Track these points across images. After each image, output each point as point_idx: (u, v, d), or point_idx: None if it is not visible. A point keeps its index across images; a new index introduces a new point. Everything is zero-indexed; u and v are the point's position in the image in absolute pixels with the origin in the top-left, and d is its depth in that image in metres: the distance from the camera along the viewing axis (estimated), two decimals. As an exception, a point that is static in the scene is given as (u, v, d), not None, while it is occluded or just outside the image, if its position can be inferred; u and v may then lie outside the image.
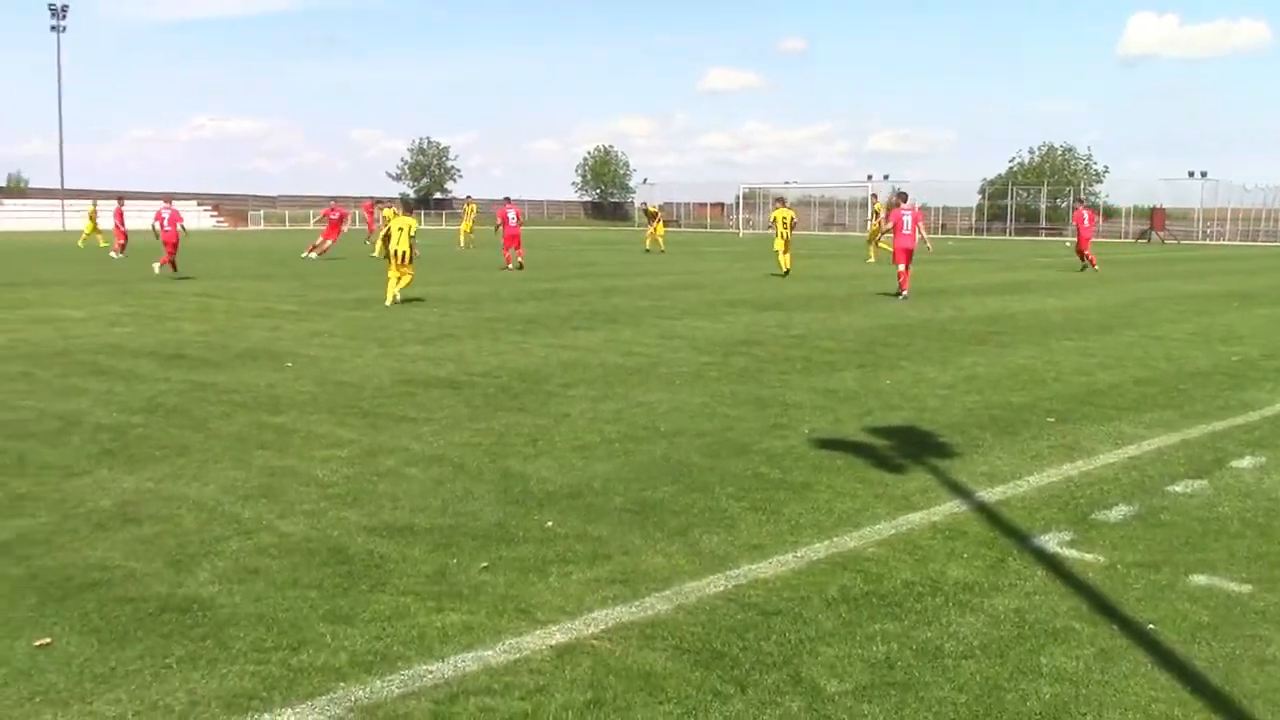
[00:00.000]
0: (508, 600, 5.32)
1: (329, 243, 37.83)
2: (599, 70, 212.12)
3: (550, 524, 6.55)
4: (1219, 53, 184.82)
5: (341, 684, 4.38)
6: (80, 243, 42.94)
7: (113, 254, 39.11)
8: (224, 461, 8.05)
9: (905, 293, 23.26)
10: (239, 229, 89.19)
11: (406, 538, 6.27)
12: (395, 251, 21.16)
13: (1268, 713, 4.26)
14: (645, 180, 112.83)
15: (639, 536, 6.34)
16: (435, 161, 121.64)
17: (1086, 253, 35.84)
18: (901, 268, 23.66)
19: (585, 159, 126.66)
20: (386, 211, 38.10)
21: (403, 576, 5.64)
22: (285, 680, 4.41)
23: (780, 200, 35.20)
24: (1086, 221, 36.56)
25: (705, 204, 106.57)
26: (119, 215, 41.11)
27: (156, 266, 28.17)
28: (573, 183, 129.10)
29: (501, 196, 37.00)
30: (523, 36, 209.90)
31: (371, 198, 55.43)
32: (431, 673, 4.49)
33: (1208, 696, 4.37)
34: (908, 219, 24.09)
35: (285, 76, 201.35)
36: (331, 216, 38.69)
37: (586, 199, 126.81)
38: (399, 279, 21.09)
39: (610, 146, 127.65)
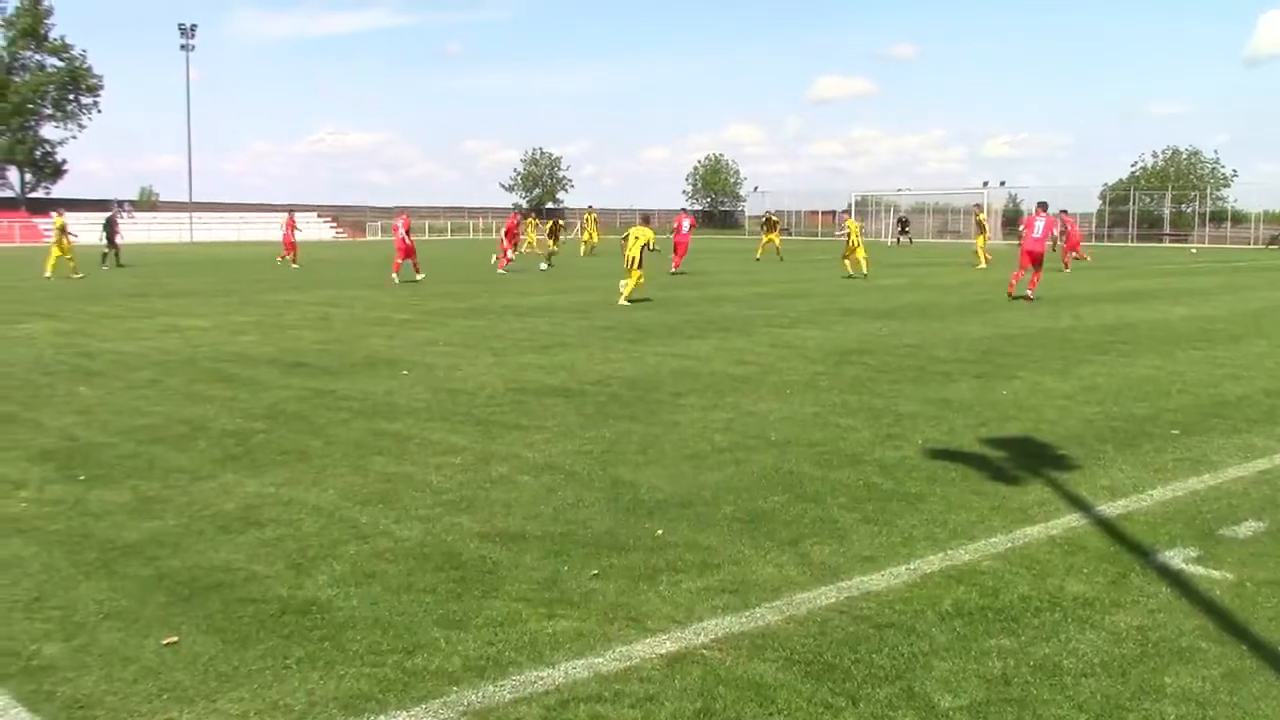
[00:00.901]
0: (618, 608, 5.34)
1: (512, 251, 38.26)
2: (709, 78, 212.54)
3: (660, 532, 6.56)
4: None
5: (455, 688, 4.45)
6: (279, 257, 45.86)
7: (278, 261, 41.69)
8: (342, 467, 8.23)
9: (1016, 294, 24.33)
10: (357, 239, 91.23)
11: (518, 544, 6.34)
12: (629, 257, 23.62)
13: None
14: (756, 188, 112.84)
15: (749, 546, 6.31)
16: (547, 172, 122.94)
17: (1077, 254, 38.61)
18: (1027, 271, 24.51)
19: (696, 168, 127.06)
20: (530, 222, 39.37)
21: (514, 582, 5.70)
22: (400, 683, 4.49)
23: (846, 213, 37.82)
24: (1073, 226, 39.97)
25: (816, 211, 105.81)
26: (289, 226, 43.55)
27: (394, 277, 30.66)
28: (683, 191, 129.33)
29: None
30: (633, 46, 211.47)
31: (520, 209, 58.42)
32: (543, 679, 4.53)
33: (1344, 721, 4.21)
34: (1039, 224, 25.00)
35: (400, 90, 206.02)
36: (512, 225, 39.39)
37: (697, 208, 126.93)
38: (631, 282, 23.48)
39: (721, 155, 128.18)
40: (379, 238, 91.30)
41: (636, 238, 23.79)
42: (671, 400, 11.13)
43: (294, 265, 40.93)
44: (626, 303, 22.86)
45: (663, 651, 4.81)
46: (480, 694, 4.39)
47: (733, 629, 5.08)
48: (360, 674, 4.57)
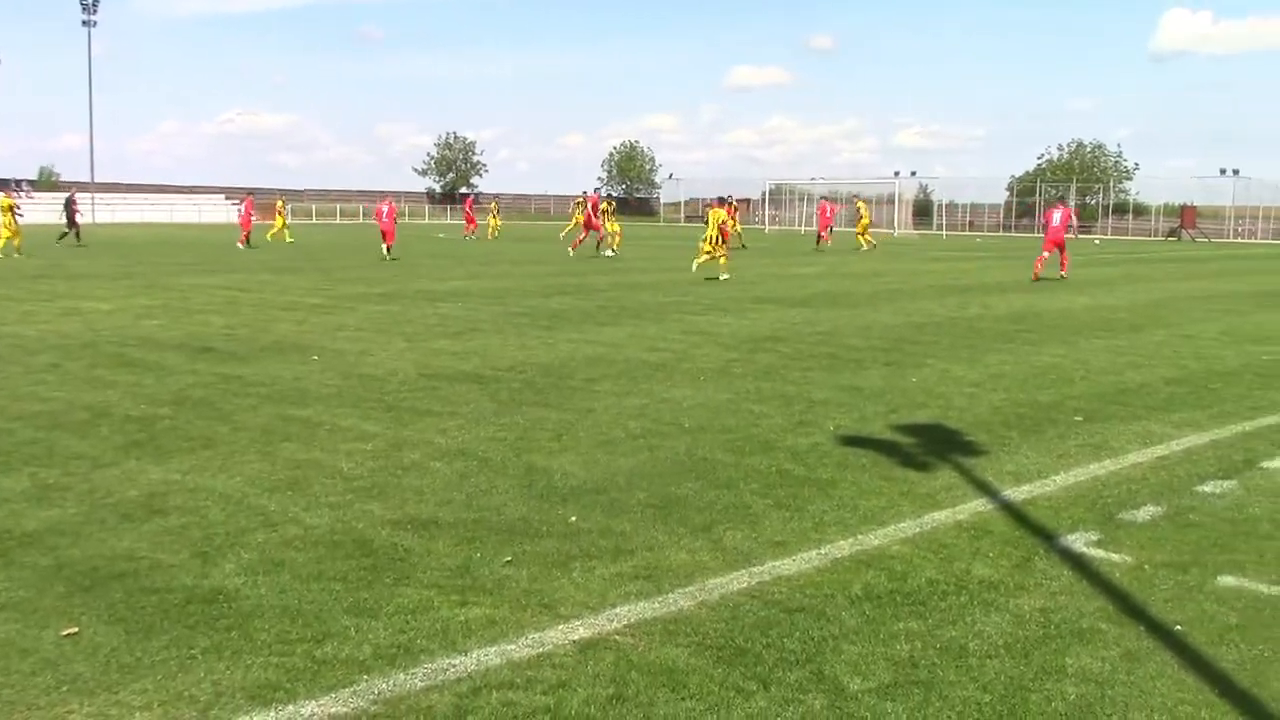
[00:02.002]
0: (531, 594, 5.32)
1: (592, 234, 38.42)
2: (627, 66, 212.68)
3: (574, 519, 6.56)
4: (1253, 49, 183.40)
5: (365, 676, 4.40)
6: (269, 236, 47.80)
7: (239, 245, 41.77)
8: (250, 454, 8.09)
9: (1041, 277, 28.18)
10: (266, 223, 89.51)
11: (430, 531, 6.29)
12: (709, 236, 27.55)
13: (1296, 716, 4.22)
14: (670, 175, 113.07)
15: (662, 532, 6.34)
16: (461, 156, 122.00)
17: (823, 235, 46.23)
18: (1045, 254, 28.71)
19: (611, 154, 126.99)
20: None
21: (426, 570, 5.65)
22: (309, 672, 4.43)
23: (725, 202, 41.27)
24: (829, 212, 47.27)
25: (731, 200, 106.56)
26: (248, 209, 44.36)
27: (385, 249, 34.75)
28: (598, 178, 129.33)
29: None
30: (552, 31, 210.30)
31: (476, 194, 61.85)
32: (454, 666, 4.50)
33: (1235, 699, 4.34)
34: (1057, 215, 29.52)
35: (314, 71, 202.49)
36: (603, 207, 39.52)
37: (614, 194, 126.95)
38: (705, 256, 27.51)
39: (636, 142, 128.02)
40: (291, 221, 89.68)
41: (716, 218, 27.67)
42: (585, 387, 11.12)
43: (240, 245, 41.31)
44: (725, 276, 26.57)
45: (575, 638, 4.81)
46: (391, 682, 4.35)
47: (645, 615, 5.10)
48: (268, 663, 4.50)
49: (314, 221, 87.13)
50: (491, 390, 10.83)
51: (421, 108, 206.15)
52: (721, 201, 30.03)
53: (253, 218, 43.77)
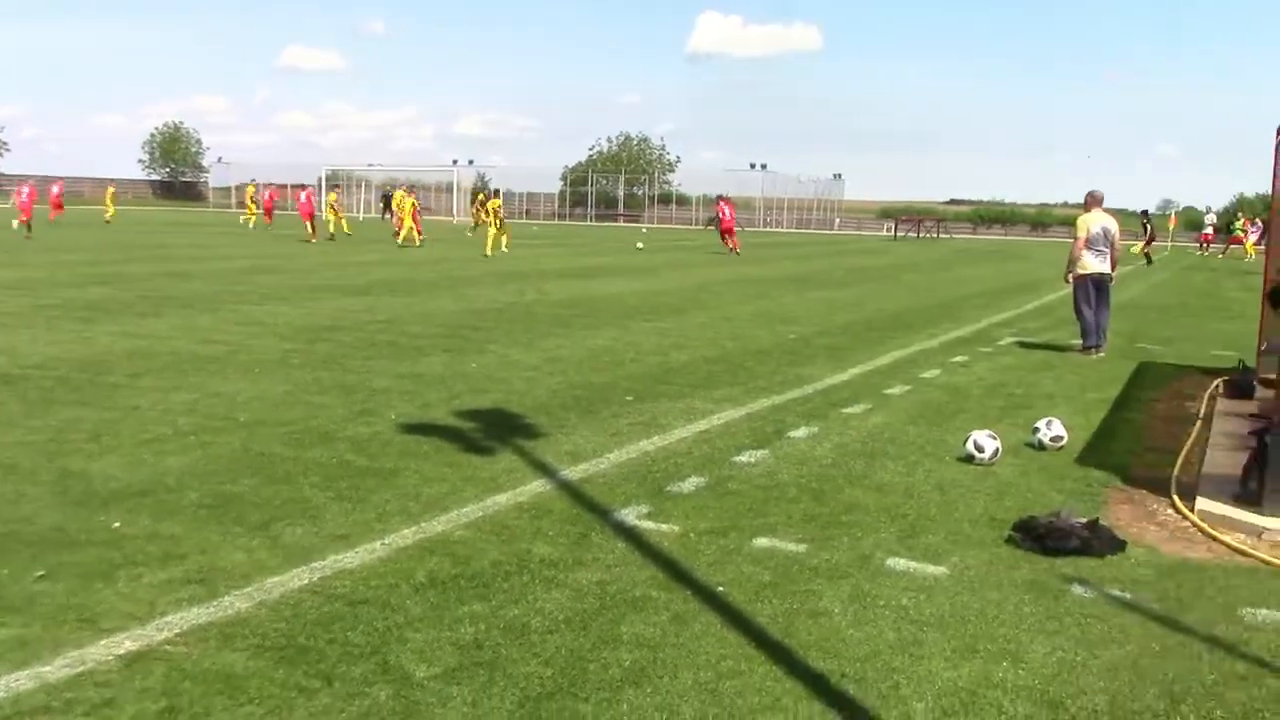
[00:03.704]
0: (68, 610, 4.91)
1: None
2: (170, 44, 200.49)
3: (117, 525, 6.11)
4: (777, 52, 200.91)
5: None
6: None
7: (311, 240, 39.93)
8: None
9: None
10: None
11: (-54, 549, 5.64)
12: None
13: (820, 660, 4.66)
14: (220, 159, 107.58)
15: (216, 533, 6.04)
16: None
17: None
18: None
19: (152, 135, 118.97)
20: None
21: (-58, 592, 5.07)
22: None
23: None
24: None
25: (286, 185, 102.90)
26: (270, 199, 50.71)
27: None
28: (139, 160, 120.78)
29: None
30: (83, 4, 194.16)
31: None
32: (-22, 696, 4.07)
33: (769, 649, 4.74)
34: (727, 210, 39.73)
35: None
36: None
37: (155, 178, 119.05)
38: None
39: (180, 122, 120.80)
40: None
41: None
42: (129, 383, 10.38)
43: (313, 240, 39.33)
44: None
45: (120, 651, 4.49)
46: (-101, 722, 3.87)
47: (199, 620, 4.84)
48: None
49: None
50: (19, 390, 9.87)
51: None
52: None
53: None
